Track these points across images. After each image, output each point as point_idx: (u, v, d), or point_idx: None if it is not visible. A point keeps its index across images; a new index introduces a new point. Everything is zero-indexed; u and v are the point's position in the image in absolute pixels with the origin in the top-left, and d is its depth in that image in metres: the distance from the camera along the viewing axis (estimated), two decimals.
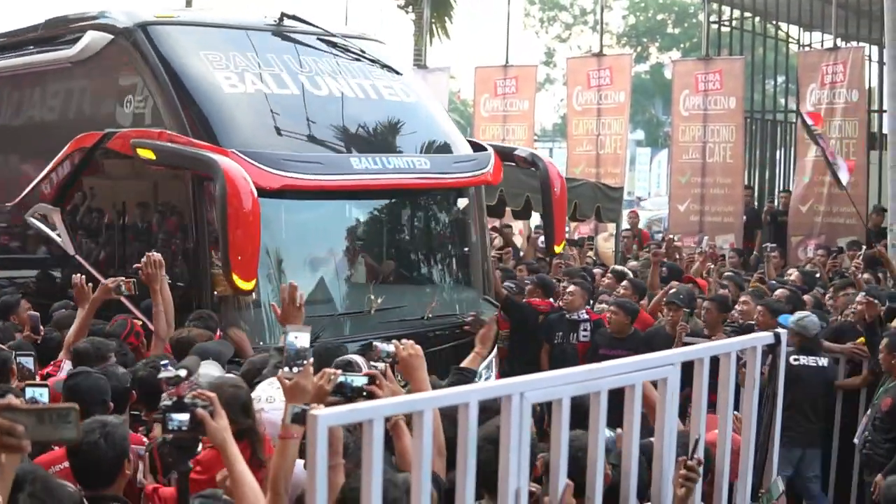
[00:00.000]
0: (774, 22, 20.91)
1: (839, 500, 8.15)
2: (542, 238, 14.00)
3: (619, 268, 11.10)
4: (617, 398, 3.45)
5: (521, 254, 12.70)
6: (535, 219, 14.53)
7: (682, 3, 47.01)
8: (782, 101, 22.44)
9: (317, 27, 8.00)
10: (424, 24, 20.49)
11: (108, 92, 7.73)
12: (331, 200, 7.32)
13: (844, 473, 8.01)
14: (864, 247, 12.48)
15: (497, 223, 12.48)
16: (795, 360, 7.53)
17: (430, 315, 7.40)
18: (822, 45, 18.76)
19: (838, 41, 16.64)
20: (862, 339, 8.02)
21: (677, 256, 11.31)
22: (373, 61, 8.04)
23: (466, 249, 8.23)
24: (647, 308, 9.00)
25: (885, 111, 13.37)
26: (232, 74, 7.09)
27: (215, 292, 6.72)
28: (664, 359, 3.64)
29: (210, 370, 4.80)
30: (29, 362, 5.49)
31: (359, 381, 3.83)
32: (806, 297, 9.36)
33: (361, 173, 7.00)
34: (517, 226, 14.52)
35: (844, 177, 14.00)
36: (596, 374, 3.27)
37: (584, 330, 8.60)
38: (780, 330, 4.26)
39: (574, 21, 48.36)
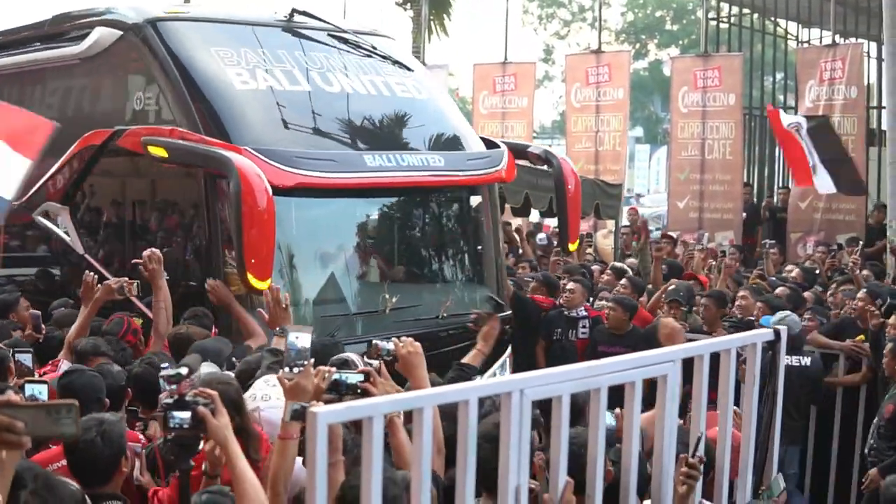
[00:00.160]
0: (773, 18, 20.92)
1: (815, 501, 8.14)
2: (539, 235, 14.14)
3: (618, 265, 11.09)
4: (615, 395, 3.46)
5: (520, 251, 12.68)
6: (534, 216, 14.58)
7: None
8: (781, 97, 22.44)
9: (328, 23, 7.90)
10: (423, 20, 20.43)
11: (118, 89, 7.64)
12: (344, 198, 7.21)
13: (845, 474, 7.99)
14: (862, 243, 12.46)
15: None
16: None
17: (445, 314, 7.32)
18: (820, 42, 18.79)
19: (837, 38, 16.62)
20: (862, 336, 8.02)
21: (677, 252, 11.31)
22: (384, 58, 7.95)
23: (480, 248, 8.13)
24: (647, 305, 9.00)
25: (885, 108, 13.34)
26: (243, 71, 6.99)
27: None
28: (664, 355, 3.65)
29: (204, 369, 4.78)
30: (27, 360, 5.46)
31: (353, 378, 3.86)
32: (807, 294, 9.38)
33: (375, 171, 6.89)
34: (516, 223, 14.49)
35: (824, 185, 13.39)
36: (596, 370, 3.26)
37: (583, 327, 8.58)
38: (780, 326, 4.25)
39: (573, 18, 48.28)
